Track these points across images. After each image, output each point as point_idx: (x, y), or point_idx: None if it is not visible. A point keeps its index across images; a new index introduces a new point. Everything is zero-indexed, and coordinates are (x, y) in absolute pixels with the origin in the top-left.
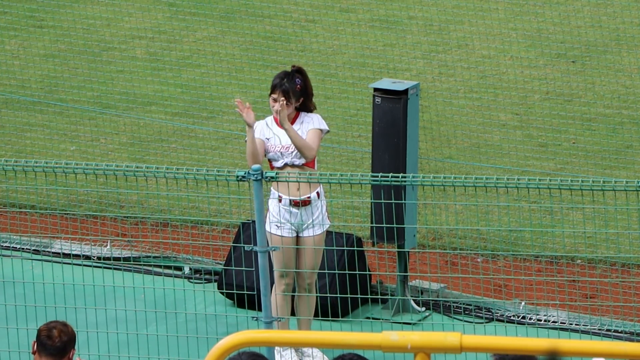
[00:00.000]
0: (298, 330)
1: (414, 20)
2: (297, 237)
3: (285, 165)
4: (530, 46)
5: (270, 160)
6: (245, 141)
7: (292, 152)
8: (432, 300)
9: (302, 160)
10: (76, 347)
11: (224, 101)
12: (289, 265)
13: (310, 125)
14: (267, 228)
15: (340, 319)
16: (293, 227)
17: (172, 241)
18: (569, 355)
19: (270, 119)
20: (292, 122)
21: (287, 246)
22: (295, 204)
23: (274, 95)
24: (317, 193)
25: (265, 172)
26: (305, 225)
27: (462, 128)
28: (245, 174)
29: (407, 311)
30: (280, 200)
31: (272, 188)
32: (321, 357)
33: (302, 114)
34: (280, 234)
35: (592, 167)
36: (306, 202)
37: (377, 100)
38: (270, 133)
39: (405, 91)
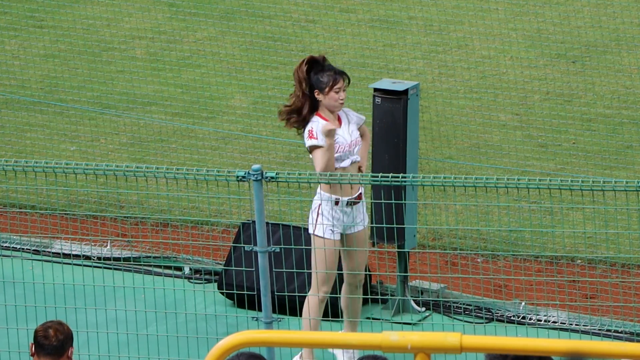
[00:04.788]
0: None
1: (414, 21)
2: (343, 236)
3: (352, 162)
4: (530, 46)
5: None
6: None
7: (354, 149)
8: (432, 300)
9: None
10: (75, 346)
11: (224, 101)
12: (333, 268)
13: (355, 118)
14: (319, 233)
15: (340, 319)
16: (339, 229)
17: (172, 241)
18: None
19: (322, 121)
20: (340, 123)
21: (334, 247)
22: (353, 203)
23: (338, 86)
24: (362, 186)
25: (265, 172)
26: (354, 222)
27: (462, 128)
28: (245, 174)
29: (407, 311)
30: (337, 203)
31: (321, 191)
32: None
33: (340, 113)
34: (333, 238)
35: (592, 167)
36: (359, 198)
37: (377, 100)
38: None
39: (405, 91)
